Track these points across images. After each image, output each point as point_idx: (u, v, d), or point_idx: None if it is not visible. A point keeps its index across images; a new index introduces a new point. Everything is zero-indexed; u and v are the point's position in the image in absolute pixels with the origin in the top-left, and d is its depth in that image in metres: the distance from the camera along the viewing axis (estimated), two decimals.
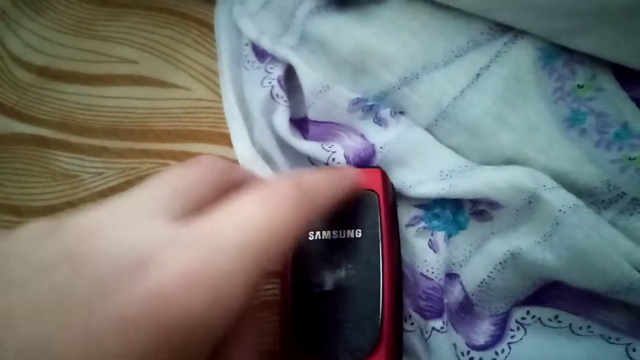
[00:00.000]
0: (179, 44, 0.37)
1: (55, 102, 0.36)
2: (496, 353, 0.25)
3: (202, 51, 0.36)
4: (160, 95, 0.35)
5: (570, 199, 0.24)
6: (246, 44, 0.35)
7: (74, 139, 0.35)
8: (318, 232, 0.25)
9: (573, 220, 0.23)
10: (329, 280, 0.24)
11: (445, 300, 0.27)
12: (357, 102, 0.29)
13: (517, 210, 0.25)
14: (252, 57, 0.34)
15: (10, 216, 0.33)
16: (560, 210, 0.24)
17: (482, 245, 0.27)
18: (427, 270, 0.28)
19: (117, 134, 0.35)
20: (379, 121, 0.29)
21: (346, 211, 0.25)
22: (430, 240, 0.28)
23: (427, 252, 0.28)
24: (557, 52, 0.27)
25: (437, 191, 0.27)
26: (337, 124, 0.31)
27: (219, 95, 0.35)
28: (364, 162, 0.29)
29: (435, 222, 0.29)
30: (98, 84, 0.36)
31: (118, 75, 0.36)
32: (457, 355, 0.26)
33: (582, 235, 0.23)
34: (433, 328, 0.26)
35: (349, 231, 0.25)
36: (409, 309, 0.28)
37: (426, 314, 0.27)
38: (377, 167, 0.28)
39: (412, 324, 0.27)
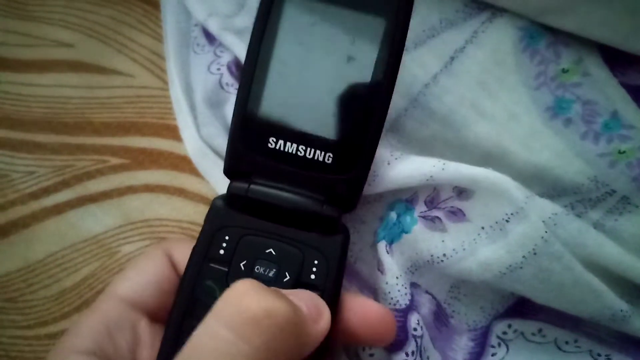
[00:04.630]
0: (120, 24, 0.33)
1: None
2: None
3: (146, 32, 0.33)
4: (99, 82, 0.32)
5: (548, 208, 0.22)
6: (195, 25, 0.31)
7: (2, 133, 0.31)
8: None
9: (552, 250, 0.21)
10: None
11: (417, 320, 0.23)
12: None
13: (491, 226, 0.22)
14: (202, 39, 0.30)
15: None
16: (541, 237, 0.21)
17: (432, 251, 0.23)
18: (379, 296, 0.24)
19: (50, 127, 0.31)
20: None
21: None
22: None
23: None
24: (539, 33, 0.24)
25: (429, 169, 0.23)
26: None
27: (166, 83, 0.32)
28: None
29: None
30: (30, 71, 0.33)
31: (52, 61, 0.33)
32: None
33: (560, 268, 0.21)
34: None
35: None
36: None
37: (388, 347, 0.24)
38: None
39: (371, 355, 0.24)
